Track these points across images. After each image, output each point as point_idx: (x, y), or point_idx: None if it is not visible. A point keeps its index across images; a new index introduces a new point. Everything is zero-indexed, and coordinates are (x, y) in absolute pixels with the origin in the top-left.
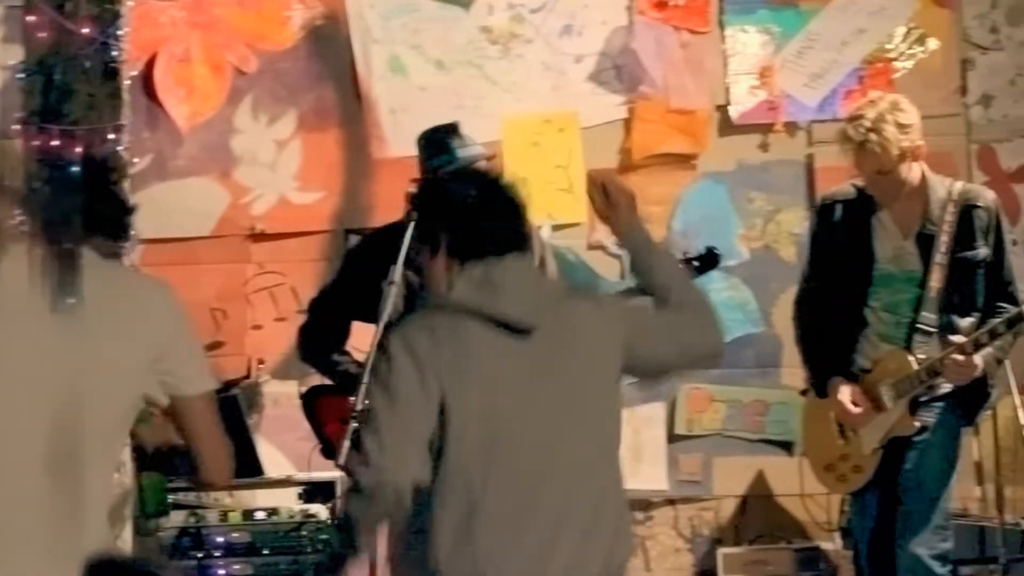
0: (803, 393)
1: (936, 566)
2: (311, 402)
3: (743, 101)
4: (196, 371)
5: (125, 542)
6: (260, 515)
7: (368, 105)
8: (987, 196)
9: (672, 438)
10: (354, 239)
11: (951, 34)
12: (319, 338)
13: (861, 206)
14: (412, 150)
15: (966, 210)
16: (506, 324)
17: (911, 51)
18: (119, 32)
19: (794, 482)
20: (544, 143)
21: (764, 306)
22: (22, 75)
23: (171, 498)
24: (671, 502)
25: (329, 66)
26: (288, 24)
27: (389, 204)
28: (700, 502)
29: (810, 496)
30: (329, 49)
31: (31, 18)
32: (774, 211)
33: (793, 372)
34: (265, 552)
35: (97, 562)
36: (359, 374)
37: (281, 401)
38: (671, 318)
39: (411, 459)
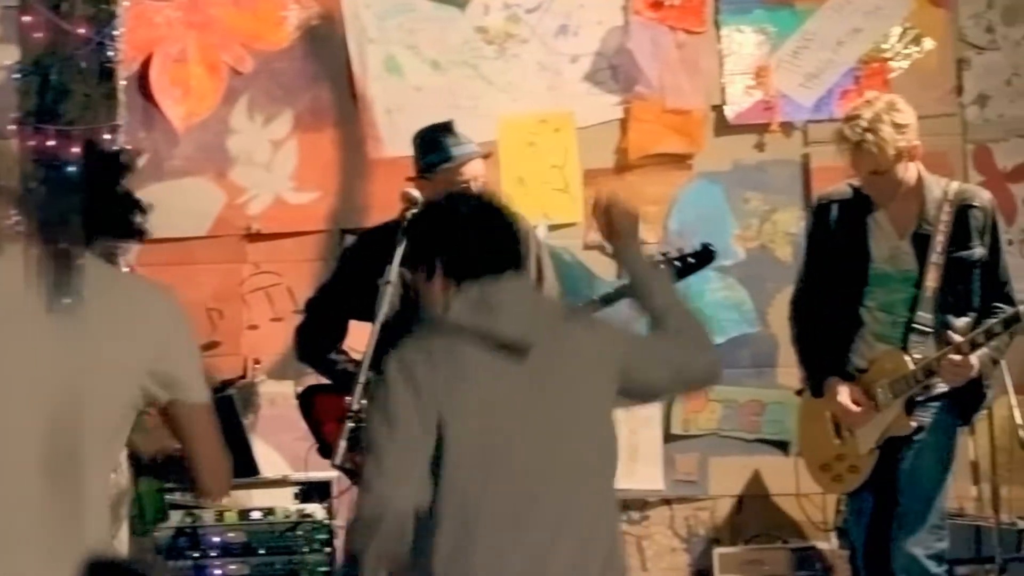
0: (798, 393)
1: (932, 566)
2: (308, 401)
3: (739, 101)
4: (195, 379)
5: (121, 542)
6: (256, 515)
7: (364, 105)
8: (983, 196)
9: (668, 438)
10: (350, 239)
11: (947, 34)
12: (316, 338)
13: (857, 206)
14: (408, 150)
15: (962, 210)
16: (503, 344)
17: (907, 51)
18: (115, 32)
19: (790, 482)
20: (540, 143)
21: (760, 306)
22: (18, 75)
23: (167, 497)
24: (667, 502)
25: (325, 66)
26: (284, 24)
27: (385, 204)
28: (696, 502)
29: (806, 496)
30: (325, 49)
31: (27, 18)
32: (770, 211)
33: (789, 372)
34: (261, 552)
35: (92, 562)
36: (356, 373)
37: (277, 401)
38: (668, 343)
39: (411, 485)
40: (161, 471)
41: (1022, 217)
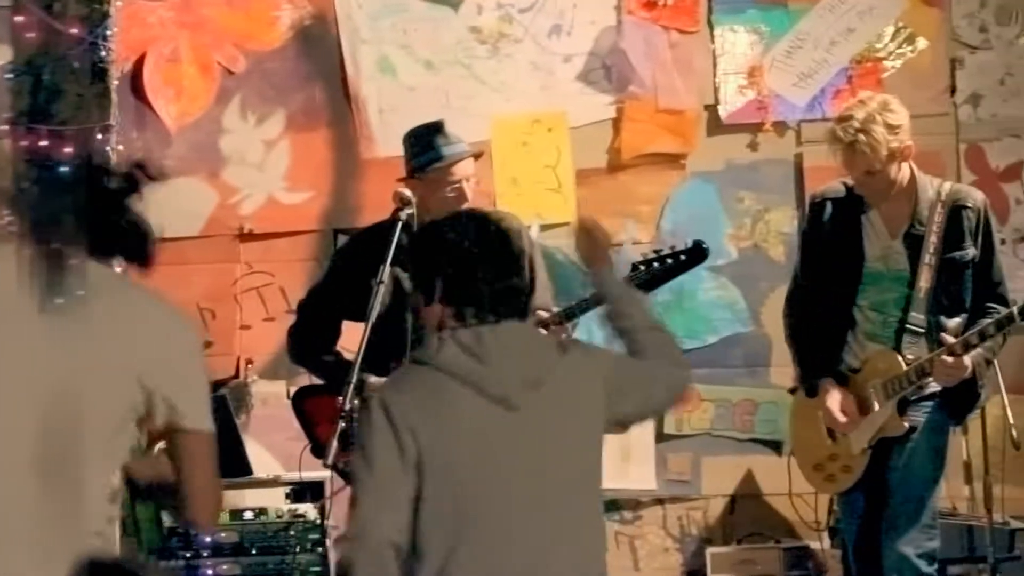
0: (792, 391)
1: (922, 565)
2: (300, 403)
3: (732, 101)
4: (195, 406)
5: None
6: (248, 515)
7: (357, 105)
8: (976, 197)
9: (661, 437)
10: (343, 239)
11: (940, 33)
12: (309, 339)
13: (851, 205)
14: (401, 150)
15: (955, 211)
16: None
17: (900, 50)
18: (107, 32)
19: (783, 481)
20: (533, 143)
21: (753, 305)
22: (10, 75)
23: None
24: (660, 501)
25: (318, 66)
26: (276, 24)
27: (377, 204)
28: (689, 501)
29: (799, 495)
30: (318, 49)
31: (19, 18)
32: (763, 210)
33: (782, 371)
34: (253, 552)
35: (86, 562)
36: (349, 374)
37: (270, 401)
38: (643, 372)
39: (386, 524)
40: (157, 497)
41: (1015, 217)
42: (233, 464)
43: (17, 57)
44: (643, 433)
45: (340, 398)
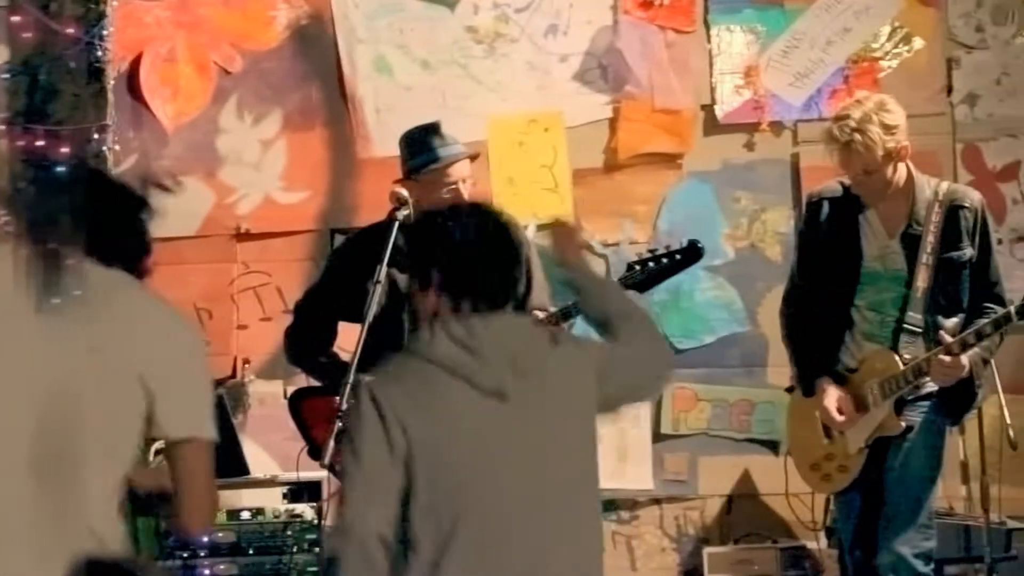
0: (788, 390)
1: (919, 565)
2: (297, 404)
3: (728, 100)
4: (195, 412)
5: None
6: (245, 515)
7: (353, 105)
8: (973, 196)
9: (658, 437)
10: (340, 239)
11: (936, 33)
12: (306, 340)
13: (848, 204)
14: (397, 150)
15: (952, 211)
16: (481, 389)
17: (896, 50)
18: (104, 32)
19: (780, 481)
20: (529, 143)
21: (750, 305)
22: (7, 75)
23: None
24: (657, 501)
25: (314, 66)
26: (273, 24)
27: (374, 204)
28: (686, 501)
29: (795, 495)
30: (314, 49)
31: (16, 18)
32: (760, 210)
33: (779, 371)
34: (250, 552)
35: (83, 562)
36: (345, 375)
37: (267, 401)
38: (629, 356)
39: (372, 515)
40: (157, 507)
41: (1011, 216)
42: (230, 464)
43: (14, 57)
44: (640, 433)
45: (337, 399)
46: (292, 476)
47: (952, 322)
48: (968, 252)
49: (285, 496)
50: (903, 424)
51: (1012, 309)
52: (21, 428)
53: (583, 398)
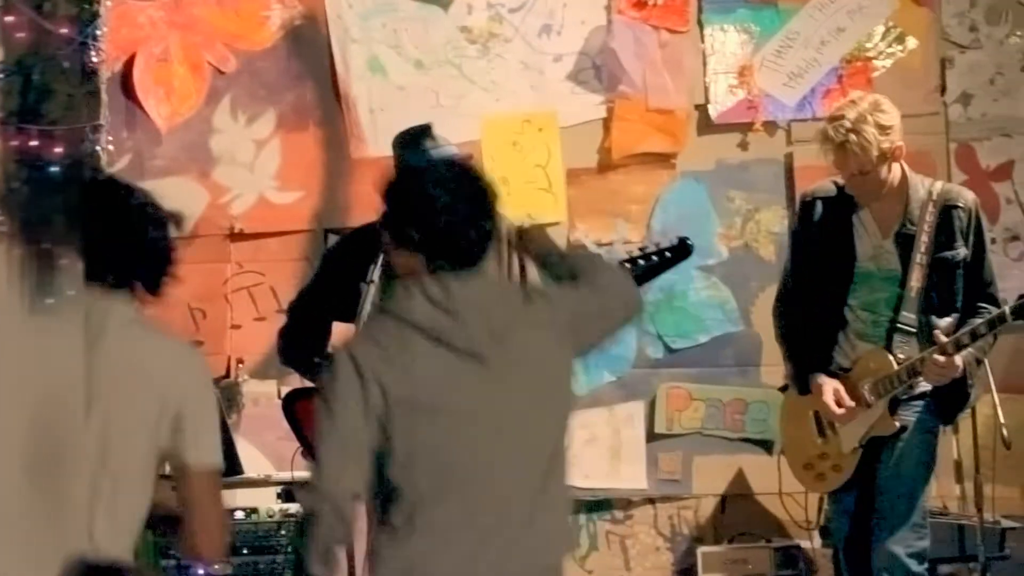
0: (782, 389)
1: (912, 564)
2: (291, 405)
3: (722, 100)
4: (201, 440)
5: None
6: (239, 515)
7: (347, 105)
8: (967, 197)
9: (652, 437)
10: (333, 238)
11: (930, 33)
12: (299, 341)
13: (841, 204)
14: (391, 150)
15: (946, 211)
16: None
17: (890, 50)
18: (98, 32)
19: (773, 481)
20: (523, 142)
21: (743, 305)
22: (0, 75)
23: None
24: (651, 501)
25: (308, 66)
26: (267, 24)
27: (368, 203)
28: (680, 501)
29: (789, 495)
30: (308, 49)
31: (9, 18)
32: (753, 210)
33: (773, 371)
34: (244, 552)
35: (76, 563)
36: None
37: (260, 400)
38: (595, 295)
39: (348, 475)
40: (157, 526)
41: (1005, 216)
42: (224, 464)
43: (7, 57)
44: (634, 433)
45: None
46: (286, 476)
47: (946, 322)
48: (962, 252)
49: (279, 496)
50: (897, 424)
51: (1006, 309)
52: (15, 428)
53: (557, 359)
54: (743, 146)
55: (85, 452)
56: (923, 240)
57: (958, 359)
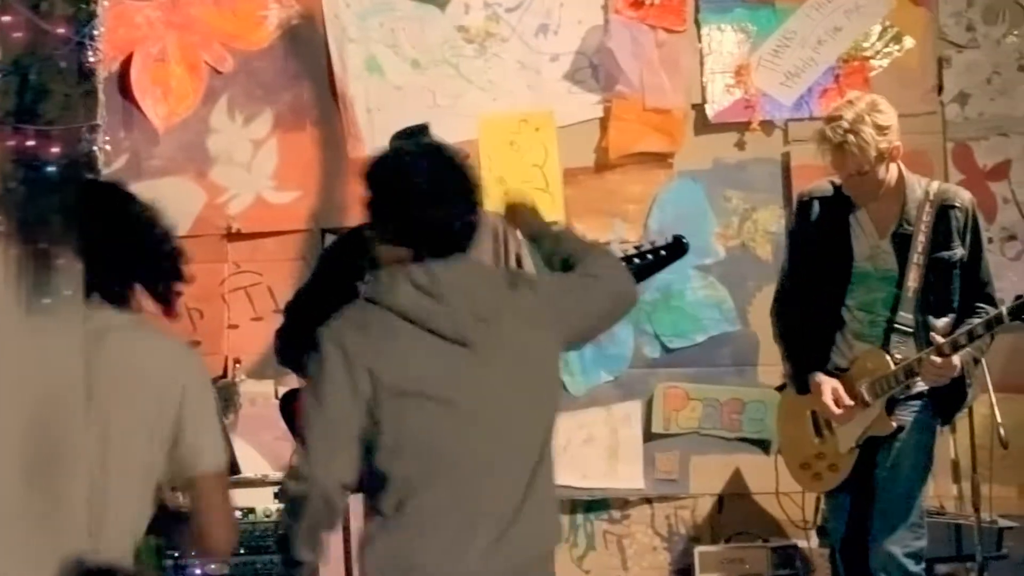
0: (779, 389)
1: (909, 564)
2: (288, 405)
3: (719, 99)
4: (204, 444)
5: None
6: (236, 514)
7: (344, 104)
8: (964, 196)
9: (649, 436)
10: (330, 238)
11: (927, 32)
12: (296, 341)
13: (838, 204)
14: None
15: (943, 210)
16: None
17: (887, 49)
18: (95, 32)
19: (770, 480)
20: (520, 142)
21: (741, 304)
22: None
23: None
24: (648, 500)
25: (305, 65)
26: (264, 24)
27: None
28: (677, 500)
29: (786, 494)
30: (305, 49)
31: (6, 18)
32: (750, 209)
33: (770, 370)
34: (241, 551)
35: (73, 563)
36: None
37: (258, 400)
38: (587, 282)
39: (336, 463)
40: (160, 527)
41: (1002, 216)
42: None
43: (4, 57)
44: (631, 432)
45: None
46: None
47: (943, 322)
48: (959, 252)
49: (276, 496)
50: (894, 424)
51: (1004, 310)
52: (12, 429)
53: (542, 345)
54: (740, 146)
55: (84, 453)
56: (920, 240)
57: (955, 359)
